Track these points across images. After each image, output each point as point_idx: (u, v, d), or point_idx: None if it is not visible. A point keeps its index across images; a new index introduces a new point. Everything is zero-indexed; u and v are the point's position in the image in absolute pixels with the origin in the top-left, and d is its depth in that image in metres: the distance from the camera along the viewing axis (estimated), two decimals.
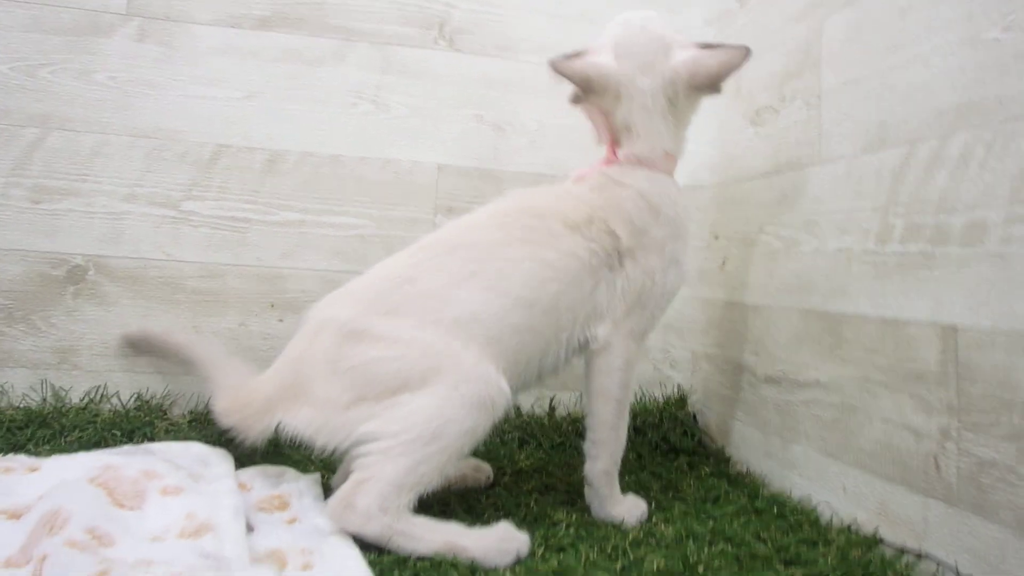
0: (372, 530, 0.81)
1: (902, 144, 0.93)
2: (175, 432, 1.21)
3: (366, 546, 0.81)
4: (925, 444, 0.86)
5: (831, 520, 0.99)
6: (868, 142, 0.99)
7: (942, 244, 0.85)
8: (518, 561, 0.81)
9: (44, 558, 0.68)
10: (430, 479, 0.83)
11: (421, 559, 0.81)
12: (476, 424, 0.85)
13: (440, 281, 0.91)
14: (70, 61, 1.28)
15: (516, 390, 0.94)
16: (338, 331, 0.90)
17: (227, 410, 0.98)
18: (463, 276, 0.91)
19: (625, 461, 1.16)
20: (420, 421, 0.83)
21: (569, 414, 1.37)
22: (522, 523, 0.89)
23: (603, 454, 0.97)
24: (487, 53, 1.43)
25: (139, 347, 1.25)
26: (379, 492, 0.81)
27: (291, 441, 0.94)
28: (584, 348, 0.99)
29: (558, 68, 1.00)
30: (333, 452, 0.86)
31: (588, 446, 0.99)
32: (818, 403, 1.05)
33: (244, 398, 0.97)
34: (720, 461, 1.27)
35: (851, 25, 1.05)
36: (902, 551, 0.87)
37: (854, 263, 1.00)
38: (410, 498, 0.82)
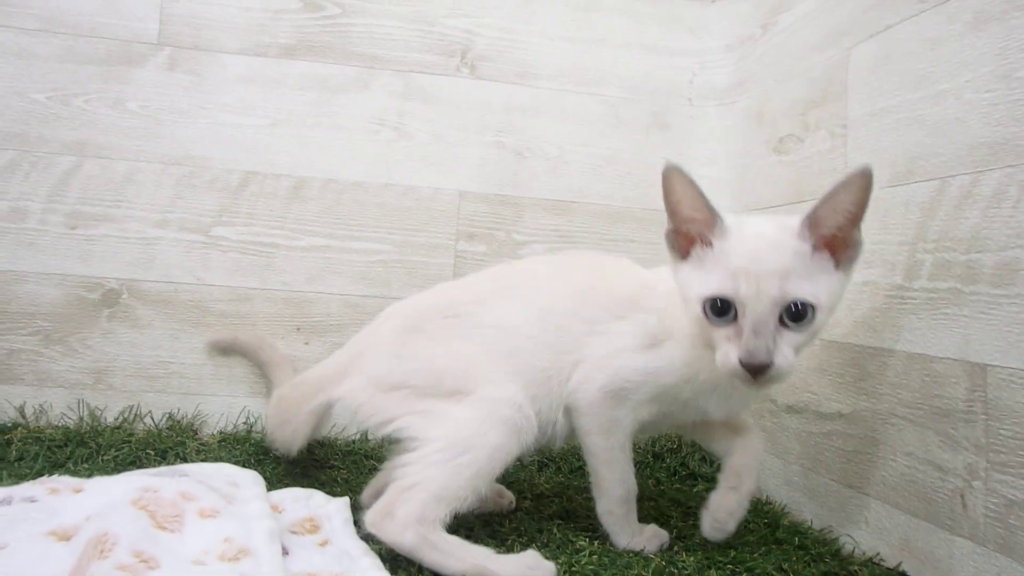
0: (408, 540, 0.84)
1: (932, 179, 0.92)
2: (205, 452, 1.24)
3: (395, 570, 0.84)
4: (951, 481, 0.86)
5: (853, 552, 0.99)
6: (895, 174, 0.98)
7: (972, 283, 0.85)
8: None
9: None
10: (465, 494, 0.86)
11: None
12: (506, 443, 0.89)
13: (498, 312, 0.98)
14: (104, 90, 1.32)
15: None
16: (404, 321, 0.99)
17: (281, 396, 1.08)
18: (516, 315, 0.98)
19: (643, 487, 1.17)
20: (455, 430, 0.88)
21: None
22: (545, 549, 0.91)
23: (601, 499, 0.98)
24: (508, 80, 1.44)
25: (223, 348, 1.32)
26: (420, 501, 0.85)
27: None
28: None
29: None
30: (366, 434, 0.96)
31: (592, 488, 1.00)
32: (840, 435, 1.05)
33: (300, 380, 1.07)
34: None
35: (879, 55, 1.04)
36: None
37: (879, 297, 0.99)
38: (447, 512, 0.85)
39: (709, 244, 0.82)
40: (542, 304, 0.98)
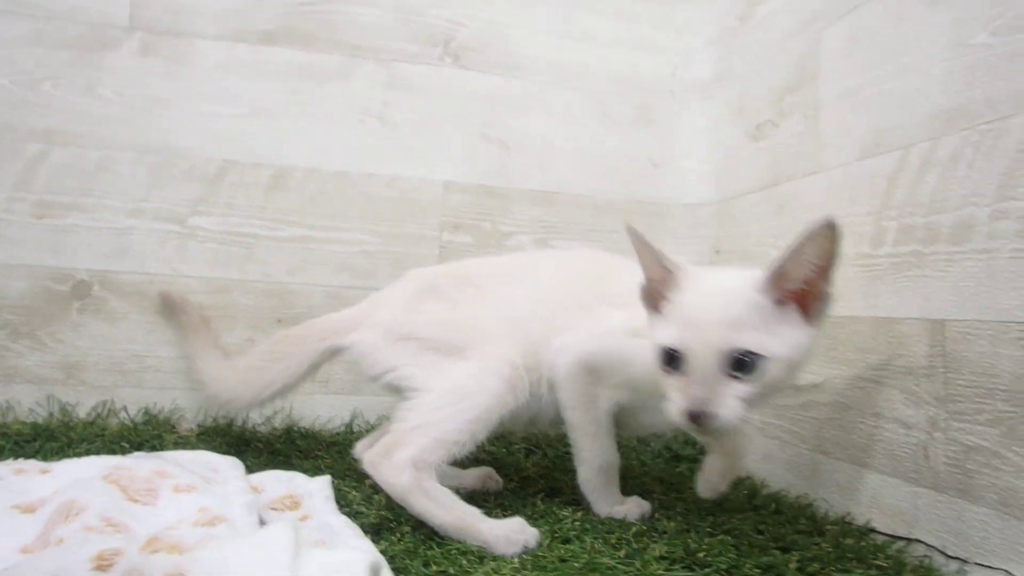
0: (402, 482, 0.86)
1: (896, 149, 0.97)
2: (184, 444, 1.19)
3: (377, 540, 0.84)
4: (915, 435, 0.90)
5: (827, 514, 1.03)
6: (863, 149, 1.03)
7: (932, 243, 0.90)
8: (525, 552, 0.84)
9: (60, 541, 0.68)
10: (464, 439, 0.90)
11: (431, 548, 0.82)
12: (503, 394, 0.93)
13: (508, 286, 1.04)
14: (74, 76, 1.28)
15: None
16: (423, 282, 1.06)
17: (284, 335, 1.09)
18: (522, 290, 1.03)
19: (628, 468, 1.19)
20: (456, 379, 0.93)
21: None
22: (529, 519, 0.92)
23: (580, 467, 1.00)
24: (493, 71, 1.45)
25: (169, 305, 1.23)
26: (418, 445, 0.88)
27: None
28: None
29: None
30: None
31: (573, 458, 1.02)
32: (814, 405, 1.09)
33: (309, 324, 1.09)
34: None
35: (848, 36, 1.09)
36: (893, 538, 0.92)
37: (849, 267, 1.03)
38: (444, 457, 0.88)
39: (669, 298, 0.84)
40: (548, 284, 1.03)
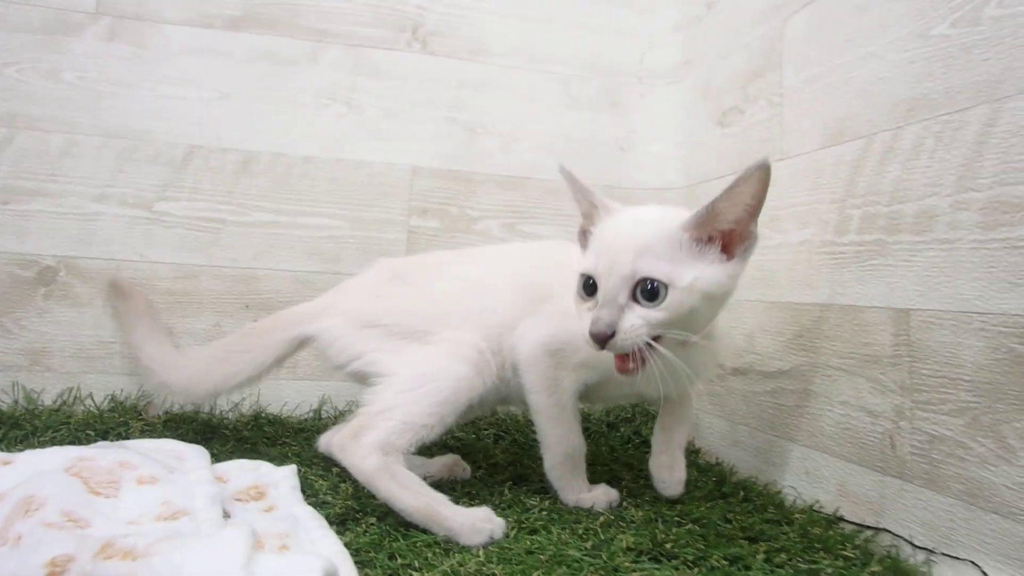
0: (369, 465, 0.85)
1: (859, 138, 0.97)
2: (150, 432, 1.19)
3: (342, 532, 0.83)
4: (881, 424, 0.90)
5: (795, 502, 1.02)
6: (827, 137, 1.03)
7: (895, 233, 0.89)
8: (491, 542, 0.83)
9: (19, 538, 0.67)
10: (432, 422, 0.89)
11: (396, 540, 0.82)
12: (470, 376, 0.93)
13: (473, 271, 1.04)
14: (38, 60, 1.27)
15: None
16: (389, 270, 1.06)
17: (251, 327, 1.10)
18: (487, 275, 1.03)
19: (597, 454, 1.19)
20: (422, 363, 0.93)
21: None
22: (496, 508, 0.91)
23: (546, 454, 1.00)
24: (460, 56, 1.44)
25: (117, 291, 1.24)
26: (386, 429, 0.88)
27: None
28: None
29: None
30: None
31: (540, 446, 1.02)
32: (782, 392, 1.09)
33: (276, 315, 1.09)
34: (691, 452, 1.30)
35: (812, 24, 1.08)
36: (860, 527, 0.91)
37: (815, 254, 1.03)
38: (412, 441, 0.88)
39: (593, 232, 0.87)
40: (513, 269, 1.04)
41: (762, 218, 1.16)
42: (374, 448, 0.86)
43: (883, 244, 0.91)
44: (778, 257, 1.12)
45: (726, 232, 0.82)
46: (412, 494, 0.85)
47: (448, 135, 1.44)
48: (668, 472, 1.01)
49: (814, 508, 0.98)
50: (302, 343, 1.06)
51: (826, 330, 1.00)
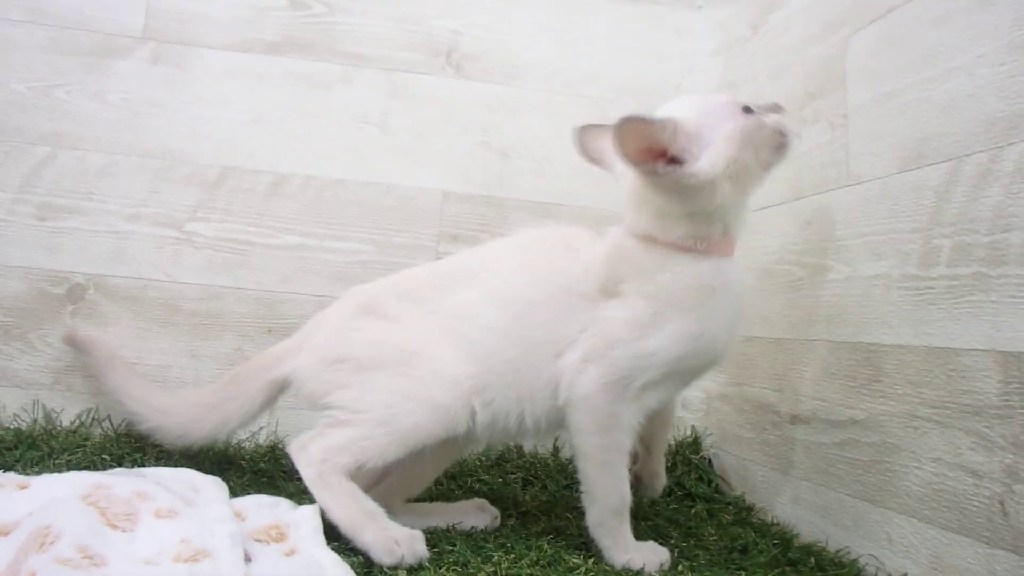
0: (308, 474, 0.89)
1: (946, 160, 0.86)
2: (165, 459, 1.16)
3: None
4: (987, 486, 0.76)
5: (876, 574, 0.89)
6: (904, 159, 0.93)
7: (999, 265, 0.77)
8: (400, 566, 0.81)
9: (33, 574, 0.65)
10: (373, 455, 0.89)
11: None
12: (429, 425, 0.90)
13: (457, 299, 0.97)
14: (86, 82, 1.30)
15: (492, 421, 0.92)
16: (357, 303, 1.00)
17: (236, 372, 1.06)
18: (477, 304, 0.96)
19: (638, 506, 1.07)
20: (379, 404, 0.91)
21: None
22: (535, 566, 0.83)
23: (592, 507, 0.90)
24: (493, 79, 1.41)
25: (76, 345, 1.22)
26: (326, 446, 0.90)
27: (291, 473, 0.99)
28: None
29: None
30: (311, 404, 0.97)
31: (582, 497, 0.91)
32: (855, 444, 0.96)
33: (259, 356, 1.07)
34: (741, 508, 1.17)
35: (880, 40, 1.00)
36: None
37: (892, 289, 0.92)
38: (349, 461, 0.88)
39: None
40: (506, 293, 0.95)
41: (825, 248, 1.05)
42: (314, 461, 0.89)
43: (984, 278, 0.79)
44: (846, 292, 1.00)
45: None
46: (342, 507, 0.86)
47: (480, 159, 1.39)
48: (656, 479, 1.05)
49: None
50: (284, 384, 1.02)
51: (910, 375, 0.87)
